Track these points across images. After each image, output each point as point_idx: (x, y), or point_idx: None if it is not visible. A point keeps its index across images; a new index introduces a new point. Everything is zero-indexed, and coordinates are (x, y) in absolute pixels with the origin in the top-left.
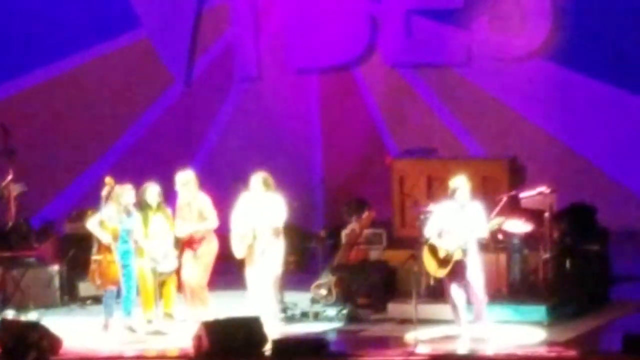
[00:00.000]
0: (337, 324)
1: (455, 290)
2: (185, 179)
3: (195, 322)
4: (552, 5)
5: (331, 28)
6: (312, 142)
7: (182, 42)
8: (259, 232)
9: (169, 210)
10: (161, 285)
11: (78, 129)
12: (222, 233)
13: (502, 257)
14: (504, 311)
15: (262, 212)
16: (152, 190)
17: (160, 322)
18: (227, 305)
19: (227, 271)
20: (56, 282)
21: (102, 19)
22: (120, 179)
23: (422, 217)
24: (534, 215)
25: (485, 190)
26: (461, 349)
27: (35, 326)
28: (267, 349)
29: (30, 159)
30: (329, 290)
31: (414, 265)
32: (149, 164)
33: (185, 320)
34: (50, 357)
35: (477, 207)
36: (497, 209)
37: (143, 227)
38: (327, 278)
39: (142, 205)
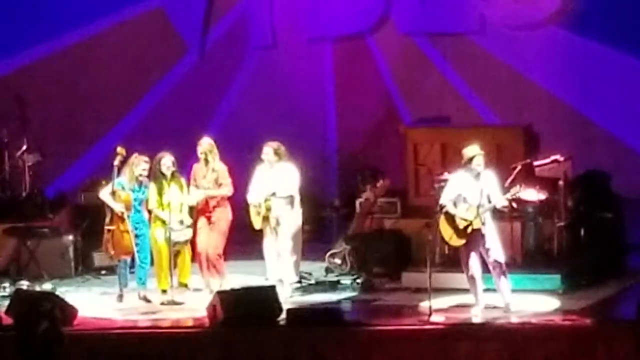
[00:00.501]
0: (351, 293)
1: (472, 260)
2: (211, 145)
3: (210, 292)
4: None
5: None
6: (326, 111)
7: (196, 11)
8: (272, 203)
9: (183, 180)
10: (176, 255)
11: (92, 99)
12: (237, 202)
13: (517, 226)
14: (519, 279)
15: (275, 182)
16: (167, 160)
17: (175, 292)
18: (242, 275)
19: (243, 241)
20: (71, 252)
21: None
22: (134, 148)
23: (436, 185)
24: (548, 183)
25: (499, 158)
26: (476, 318)
27: (48, 296)
28: (282, 318)
29: (44, 129)
30: (344, 260)
31: (428, 234)
32: (163, 133)
33: (199, 290)
34: (64, 327)
35: (491, 176)
36: (512, 177)
37: (157, 197)
38: (341, 247)
39: (156, 175)
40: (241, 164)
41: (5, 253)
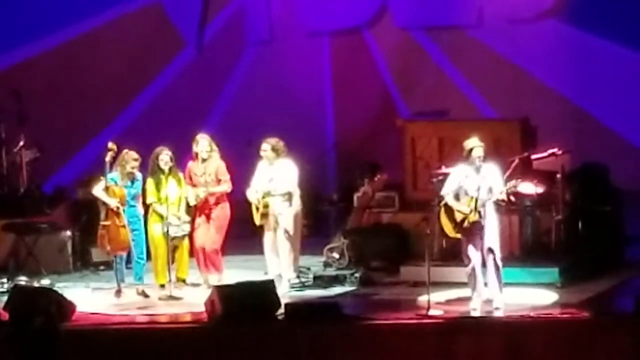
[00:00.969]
0: (349, 288)
1: (472, 253)
2: (210, 143)
3: (208, 287)
4: None
5: None
6: (324, 105)
7: (194, 6)
8: (270, 199)
9: (181, 175)
10: (174, 250)
11: (90, 94)
12: (236, 197)
13: (515, 219)
14: (517, 273)
15: (273, 179)
16: (165, 156)
17: (173, 287)
18: (240, 270)
19: (242, 235)
20: (69, 247)
21: None
22: (132, 143)
23: (434, 179)
24: (546, 176)
25: (497, 151)
26: (474, 311)
27: (44, 292)
28: (280, 313)
29: (42, 125)
30: (342, 254)
31: (426, 227)
32: (161, 128)
33: (198, 285)
34: (60, 322)
35: (493, 169)
36: (509, 170)
37: (155, 192)
38: (339, 241)
39: (154, 169)
40: (239, 159)
41: (4, 249)
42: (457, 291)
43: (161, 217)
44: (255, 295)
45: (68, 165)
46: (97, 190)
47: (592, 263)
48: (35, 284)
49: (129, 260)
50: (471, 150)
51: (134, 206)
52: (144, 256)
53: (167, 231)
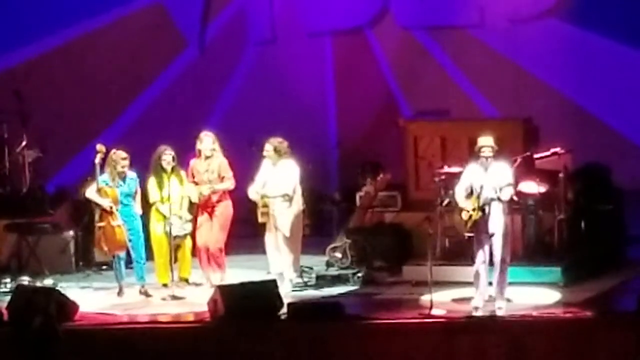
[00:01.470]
0: (352, 287)
1: (477, 251)
2: (213, 139)
3: (211, 286)
4: None
5: None
6: (326, 105)
7: (195, 6)
8: (270, 200)
9: (183, 174)
10: (176, 249)
11: (92, 94)
12: (237, 197)
13: (517, 219)
14: (519, 272)
15: (274, 180)
16: (167, 156)
17: (175, 286)
18: (242, 269)
19: (244, 235)
20: (71, 247)
21: None
22: (134, 143)
23: (436, 179)
24: (548, 176)
25: (499, 151)
26: (476, 311)
27: (45, 292)
28: (283, 312)
29: (44, 125)
30: (344, 253)
31: (428, 227)
32: (163, 128)
33: (200, 285)
34: (61, 322)
35: (502, 168)
36: (512, 170)
37: (158, 191)
38: (342, 241)
39: (156, 169)
40: (241, 158)
41: (6, 249)
42: (459, 291)
43: (163, 216)
44: (257, 295)
45: (70, 166)
46: (90, 192)
47: (595, 262)
48: (38, 284)
49: (130, 260)
50: (479, 148)
51: (127, 205)
52: (143, 256)
53: (170, 230)
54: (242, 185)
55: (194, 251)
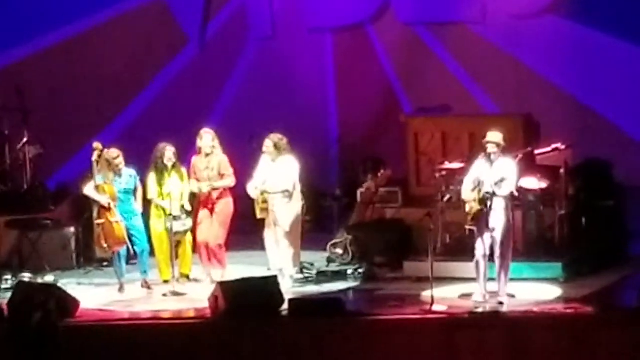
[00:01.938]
0: (353, 283)
1: (478, 245)
2: (214, 137)
3: (212, 283)
4: None
5: None
6: (326, 101)
7: (196, 2)
8: (270, 196)
9: (183, 170)
10: (177, 245)
11: (93, 91)
12: (238, 193)
13: (518, 214)
14: (520, 268)
15: (273, 176)
16: (169, 153)
17: (176, 282)
18: (243, 266)
19: (244, 231)
20: (72, 244)
21: None
22: (135, 139)
23: (437, 175)
24: (549, 171)
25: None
26: (478, 306)
27: (45, 288)
28: (284, 309)
29: (45, 121)
30: (345, 250)
31: (429, 223)
32: (165, 124)
33: (201, 281)
34: (61, 319)
35: (507, 164)
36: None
37: (158, 187)
38: (343, 237)
39: (157, 165)
40: (242, 155)
41: (7, 245)
42: (460, 286)
43: (163, 212)
44: (258, 291)
45: (71, 162)
46: (88, 189)
47: (596, 258)
48: (39, 281)
49: (130, 257)
50: (485, 144)
51: (125, 202)
52: (144, 251)
53: (171, 227)
54: (243, 181)
55: (195, 248)
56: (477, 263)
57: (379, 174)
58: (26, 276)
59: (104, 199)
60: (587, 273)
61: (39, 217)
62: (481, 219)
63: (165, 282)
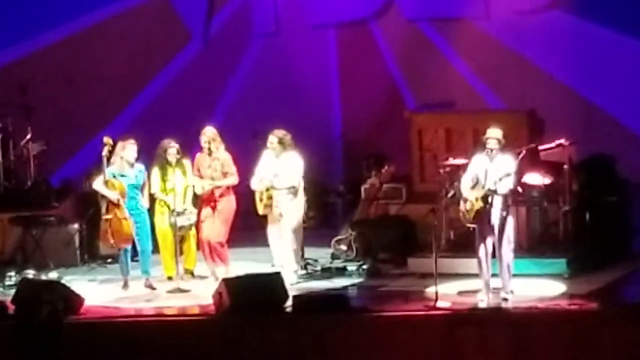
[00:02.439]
0: (357, 279)
1: (480, 242)
2: (214, 134)
3: (216, 279)
4: None
5: None
6: (330, 97)
7: None
8: (275, 192)
9: (187, 166)
10: (181, 241)
11: (96, 87)
12: (242, 190)
13: (522, 210)
14: (524, 264)
15: (278, 172)
16: (172, 148)
17: (180, 279)
18: (247, 262)
19: (248, 227)
20: (76, 241)
21: None
22: (139, 136)
23: (441, 170)
24: (553, 167)
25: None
26: (482, 303)
27: (50, 285)
28: (288, 305)
29: (48, 117)
30: (349, 246)
31: (433, 219)
32: (168, 121)
33: (205, 278)
34: (66, 315)
35: (507, 161)
36: (517, 162)
37: (161, 183)
38: (347, 233)
39: (161, 161)
40: (246, 151)
41: (11, 242)
42: (464, 282)
43: (167, 208)
44: (263, 287)
45: (75, 158)
46: (97, 184)
47: (600, 254)
48: (43, 277)
49: (135, 254)
50: (485, 140)
51: (134, 198)
52: (148, 249)
53: (176, 222)
54: (246, 178)
55: (199, 244)
56: (480, 260)
57: (383, 170)
58: (30, 273)
59: (113, 195)
60: (591, 269)
61: (42, 213)
62: (483, 216)
63: (169, 278)
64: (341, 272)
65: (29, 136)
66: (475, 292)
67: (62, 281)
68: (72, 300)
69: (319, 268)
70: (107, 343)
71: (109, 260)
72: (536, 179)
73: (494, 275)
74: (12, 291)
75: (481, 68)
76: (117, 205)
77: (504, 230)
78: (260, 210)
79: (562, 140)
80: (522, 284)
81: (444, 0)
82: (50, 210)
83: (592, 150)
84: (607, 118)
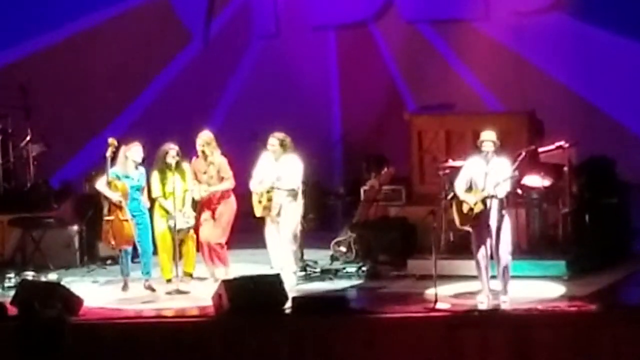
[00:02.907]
0: (357, 281)
1: (478, 245)
2: (209, 138)
3: (215, 281)
4: None
5: None
6: (330, 99)
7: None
8: (275, 193)
9: (187, 170)
10: (181, 244)
11: (96, 88)
12: (241, 191)
13: (522, 212)
14: (524, 266)
15: (279, 174)
16: (172, 151)
17: (180, 281)
18: (246, 264)
19: (246, 229)
20: (76, 242)
21: None
22: (138, 137)
23: (441, 172)
24: (552, 169)
25: (503, 145)
26: (481, 304)
27: (53, 286)
28: (287, 306)
29: (48, 119)
30: (349, 247)
31: (433, 221)
32: (167, 122)
33: (205, 279)
34: (69, 317)
35: (502, 163)
36: (516, 163)
37: (161, 187)
38: (346, 235)
39: (160, 165)
40: (245, 153)
41: (11, 243)
42: (464, 284)
43: (166, 211)
44: (262, 289)
45: (75, 160)
46: (100, 184)
47: (599, 256)
48: (43, 279)
49: (136, 255)
50: (481, 143)
51: (137, 199)
52: (149, 251)
53: (175, 225)
54: (246, 180)
55: (198, 246)
56: (478, 262)
57: (383, 172)
58: (30, 274)
59: (115, 196)
60: (590, 271)
61: (42, 215)
62: (482, 218)
63: (168, 281)
64: (341, 273)
65: (28, 137)
66: (472, 294)
67: (62, 283)
68: (72, 301)
69: (318, 270)
70: (106, 344)
71: (109, 261)
72: (536, 180)
73: (492, 277)
74: (12, 292)
75: (481, 70)
76: (119, 207)
77: (501, 233)
78: (259, 212)
79: (561, 142)
80: (521, 285)
81: (443, 2)
82: (50, 212)
83: (591, 152)
84: (606, 120)
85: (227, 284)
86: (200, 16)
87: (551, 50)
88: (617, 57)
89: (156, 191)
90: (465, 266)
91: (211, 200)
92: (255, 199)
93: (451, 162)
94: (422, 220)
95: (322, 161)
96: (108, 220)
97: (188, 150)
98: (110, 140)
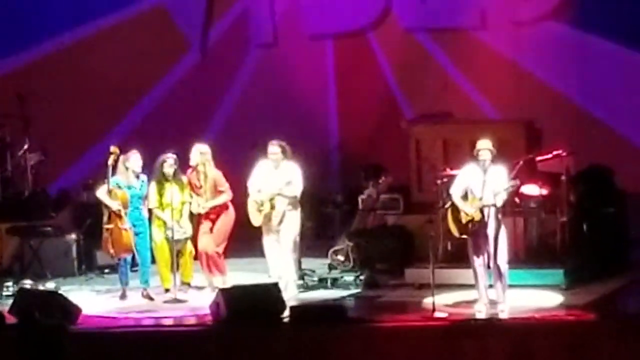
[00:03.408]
0: (354, 290)
1: (475, 254)
2: (203, 154)
3: (213, 290)
4: None
5: None
6: (328, 108)
7: (198, 9)
8: (275, 202)
9: (184, 179)
10: (178, 254)
11: (94, 97)
12: (239, 201)
13: (519, 221)
14: (522, 275)
15: (279, 181)
16: (169, 160)
17: (177, 290)
18: (244, 273)
19: (245, 238)
20: (73, 251)
21: None
22: (136, 146)
23: (438, 181)
24: (550, 178)
25: (501, 153)
26: (479, 313)
27: (52, 295)
28: (285, 315)
29: (46, 128)
30: (347, 256)
31: (431, 230)
32: (165, 131)
33: (203, 288)
34: (68, 325)
35: (499, 172)
36: (514, 172)
37: (158, 198)
38: (344, 244)
39: (158, 175)
40: (243, 162)
41: (9, 252)
42: (462, 293)
43: (163, 222)
44: (260, 297)
45: (73, 169)
46: (101, 192)
47: (597, 265)
48: (41, 287)
49: (134, 264)
50: (478, 152)
51: (138, 208)
52: (149, 260)
53: (172, 236)
54: (243, 189)
55: (196, 255)
56: (475, 271)
57: (380, 181)
58: (27, 283)
59: (114, 205)
60: (588, 280)
61: (40, 223)
62: (480, 228)
63: (167, 290)
64: (338, 282)
65: (26, 146)
66: (470, 302)
67: (60, 291)
68: (69, 310)
69: (316, 278)
70: (104, 353)
71: (107, 270)
72: (533, 189)
73: (489, 286)
74: (10, 301)
75: (478, 78)
76: (119, 215)
77: (498, 241)
78: (257, 221)
79: (559, 151)
80: (519, 294)
81: (441, 11)
82: (48, 221)
83: (589, 161)
84: (604, 129)
85: (225, 292)
86: (198, 25)
87: (548, 59)
88: (614, 66)
89: (153, 202)
90: (463, 275)
91: (209, 213)
92: (254, 208)
93: (449, 171)
94: (419, 229)
95: (319, 170)
96: (108, 229)
97: (186, 161)
98: (112, 148)
